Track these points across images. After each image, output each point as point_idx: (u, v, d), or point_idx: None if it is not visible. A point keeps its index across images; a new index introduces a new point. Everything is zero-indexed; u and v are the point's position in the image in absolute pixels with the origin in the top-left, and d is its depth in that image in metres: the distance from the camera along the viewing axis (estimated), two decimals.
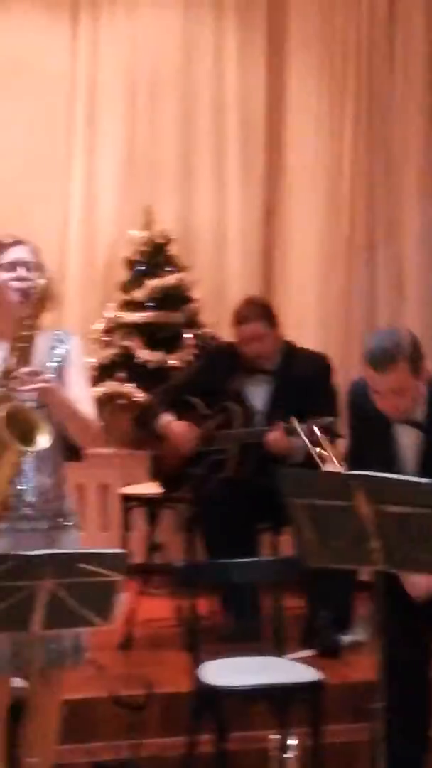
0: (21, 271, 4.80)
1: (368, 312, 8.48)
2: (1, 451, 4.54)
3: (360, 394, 5.14)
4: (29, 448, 4.56)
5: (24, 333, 4.64)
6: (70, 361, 4.98)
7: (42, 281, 4.71)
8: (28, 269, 4.83)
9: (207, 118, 9.03)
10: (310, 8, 8.72)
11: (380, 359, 4.96)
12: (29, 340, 4.65)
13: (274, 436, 6.43)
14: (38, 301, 4.67)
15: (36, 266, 4.88)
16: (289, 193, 8.97)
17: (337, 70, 8.55)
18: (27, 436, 4.53)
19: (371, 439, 5.18)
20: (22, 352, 4.63)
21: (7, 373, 4.60)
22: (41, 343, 4.82)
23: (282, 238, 9.01)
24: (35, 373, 4.58)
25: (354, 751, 5.62)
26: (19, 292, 4.76)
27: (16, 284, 4.77)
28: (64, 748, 5.18)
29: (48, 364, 4.87)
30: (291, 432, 6.34)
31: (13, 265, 4.83)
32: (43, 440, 4.54)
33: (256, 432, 6.53)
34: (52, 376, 4.77)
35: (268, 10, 8.96)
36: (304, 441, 6.30)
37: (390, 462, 5.07)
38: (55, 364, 4.90)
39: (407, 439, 5.07)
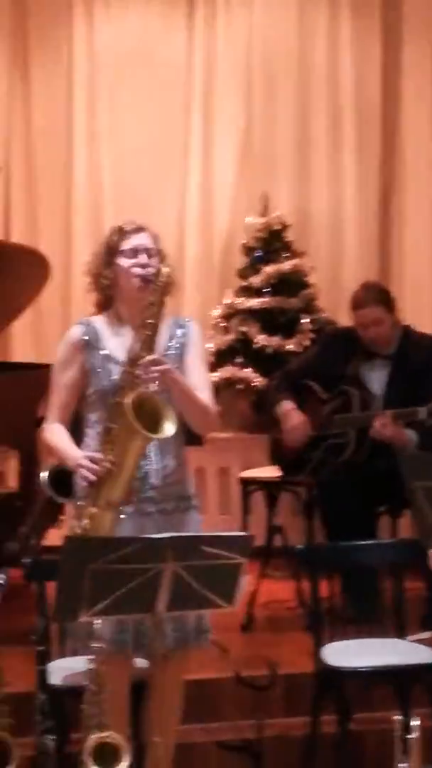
0: (142, 258, 4.82)
1: None
2: (129, 438, 4.61)
3: None
4: (156, 435, 4.61)
5: (148, 321, 4.69)
6: (190, 346, 5.01)
7: (166, 269, 4.76)
8: (149, 255, 4.86)
9: (322, 105, 9.02)
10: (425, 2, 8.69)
11: None
12: (153, 328, 4.69)
13: (381, 423, 6.42)
14: (162, 288, 4.71)
15: (156, 252, 4.92)
16: (405, 180, 8.94)
17: None
18: (153, 424, 4.59)
19: None
20: (147, 339, 4.67)
21: (133, 361, 4.65)
22: (162, 329, 4.88)
23: (398, 223, 8.99)
24: (158, 362, 4.63)
25: None
26: (139, 278, 4.79)
27: (137, 270, 4.79)
28: (187, 728, 5.23)
29: (169, 350, 4.93)
30: (402, 420, 6.42)
31: (134, 252, 4.85)
32: (169, 427, 4.59)
33: (373, 416, 6.50)
34: (174, 363, 4.83)
35: (382, 6, 8.96)
36: (413, 433, 6.39)
37: None
38: (176, 350, 4.95)
39: None
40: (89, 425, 4.94)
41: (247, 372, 8.39)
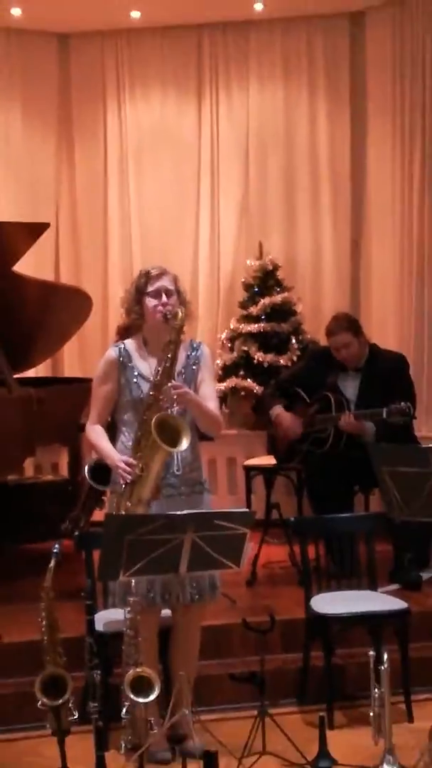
0: (164, 298, 4.88)
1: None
2: (154, 452, 4.68)
3: None
4: (174, 449, 4.68)
5: (168, 355, 4.75)
6: (202, 365, 5.06)
7: (181, 314, 4.81)
8: (169, 296, 4.91)
9: (304, 171, 8.98)
10: (385, 84, 8.62)
11: None
12: (172, 360, 4.76)
13: (345, 419, 6.44)
14: (178, 329, 4.77)
15: (175, 292, 4.96)
16: (370, 231, 8.88)
17: (406, 131, 8.43)
18: (173, 439, 4.64)
19: None
20: (166, 370, 4.74)
21: (156, 387, 4.73)
22: (181, 350, 4.94)
23: (365, 265, 8.94)
24: (177, 386, 4.71)
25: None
26: (161, 315, 4.85)
27: (159, 308, 4.85)
28: (205, 663, 5.26)
29: (187, 367, 4.98)
30: (363, 417, 6.43)
31: (158, 293, 4.90)
32: (185, 442, 4.67)
33: (340, 416, 6.51)
34: (190, 377, 4.91)
35: (350, 86, 8.91)
36: (371, 425, 6.40)
37: None
38: (193, 367, 5.00)
39: None
40: (124, 424, 4.98)
41: (248, 382, 8.39)
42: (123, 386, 4.96)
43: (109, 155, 9.21)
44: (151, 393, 4.79)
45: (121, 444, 4.95)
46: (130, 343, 5.02)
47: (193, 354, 5.07)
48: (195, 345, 5.14)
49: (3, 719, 5.27)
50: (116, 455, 4.85)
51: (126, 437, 4.94)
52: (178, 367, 4.93)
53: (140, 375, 4.92)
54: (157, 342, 4.94)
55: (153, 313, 4.89)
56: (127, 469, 4.74)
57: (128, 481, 4.76)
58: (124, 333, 6.92)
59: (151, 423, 4.65)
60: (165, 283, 4.96)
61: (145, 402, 4.81)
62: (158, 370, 4.80)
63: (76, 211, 9.29)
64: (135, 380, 4.92)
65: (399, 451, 5.10)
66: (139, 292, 4.95)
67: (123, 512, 4.76)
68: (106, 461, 4.97)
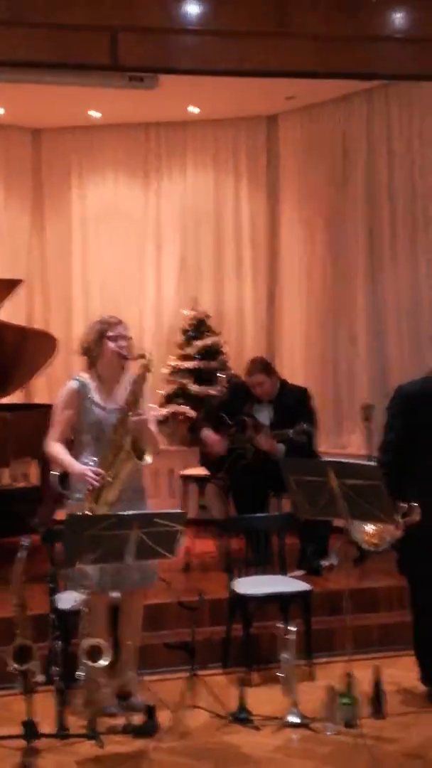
0: (121, 342, 4.93)
1: (334, 360, 8.44)
2: (125, 463, 4.76)
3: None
4: (142, 462, 4.76)
5: (133, 390, 4.85)
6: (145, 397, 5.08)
7: (149, 356, 4.95)
8: (125, 340, 4.97)
9: (230, 239, 9.00)
10: (293, 171, 8.70)
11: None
12: (136, 394, 4.85)
13: (260, 439, 6.47)
14: (143, 371, 4.89)
15: (129, 338, 5.02)
16: (282, 285, 8.90)
17: (310, 208, 8.54)
18: (140, 454, 4.73)
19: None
20: (132, 401, 4.84)
21: (123, 413, 4.82)
22: (127, 384, 4.96)
23: (278, 315, 8.95)
24: (138, 414, 4.78)
25: (331, 634, 5.59)
26: (120, 355, 4.91)
27: (118, 350, 4.91)
28: (147, 635, 5.20)
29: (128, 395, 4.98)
30: (277, 437, 6.45)
31: (116, 338, 4.94)
32: (149, 458, 4.75)
33: (258, 436, 6.54)
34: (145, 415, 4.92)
35: (267, 173, 8.95)
36: (282, 446, 6.42)
37: None
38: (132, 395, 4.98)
39: None
40: (83, 443, 4.95)
41: (185, 408, 8.37)
42: (81, 412, 4.94)
43: (73, 225, 9.19)
44: (120, 417, 4.82)
45: (83, 458, 4.90)
46: (86, 377, 5.01)
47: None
48: (132, 379, 5.12)
49: None
50: (79, 465, 4.83)
51: (85, 454, 4.90)
52: (115, 405, 4.96)
53: (95, 403, 4.92)
54: (111, 376, 4.97)
55: (113, 353, 4.92)
56: (95, 477, 4.73)
57: (95, 486, 4.74)
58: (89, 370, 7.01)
59: (122, 440, 4.75)
60: (121, 330, 4.99)
61: (111, 425, 4.83)
62: (127, 399, 4.86)
63: (46, 269, 9.25)
64: (91, 407, 4.91)
65: (303, 464, 5.13)
66: (99, 336, 4.95)
67: (88, 512, 4.72)
68: (69, 470, 4.94)
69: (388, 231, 7.99)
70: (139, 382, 4.88)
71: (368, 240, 8.11)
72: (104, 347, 4.95)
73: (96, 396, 4.95)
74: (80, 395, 4.94)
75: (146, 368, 4.89)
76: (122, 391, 4.97)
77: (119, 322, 5.04)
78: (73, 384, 4.99)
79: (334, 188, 8.38)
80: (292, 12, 5.95)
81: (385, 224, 8.00)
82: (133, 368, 4.99)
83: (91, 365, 5.03)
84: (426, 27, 6.14)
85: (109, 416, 4.92)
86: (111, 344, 4.95)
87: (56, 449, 4.95)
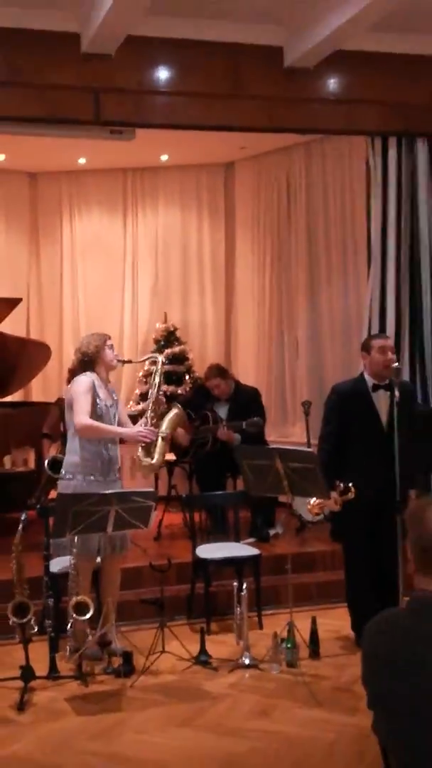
0: (115, 351, 5.14)
1: (279, 364, 8.45)
2: (173, 426, 5.30)
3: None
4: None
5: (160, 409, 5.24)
6: (120, 403, 5.17)
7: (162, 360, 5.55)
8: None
9: (194, 264, 8.98)
10: (247, 208, 8.69)
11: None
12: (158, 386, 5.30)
13: (220, 431, 6.47)
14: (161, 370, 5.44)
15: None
16: (238, 305, 8.89)
17: (261, 239, 8.54)
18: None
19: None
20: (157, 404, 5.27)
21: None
22: (109, 392, 5.05)
23: (234, 327, 8.95)
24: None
25: (276, 590, 5.57)
26: (118, 360, 5.19)
27: (115, 359, 5.09)
28: (124, 592, 5.21)
29: (114, 403, 5.06)
30: (233, 428, 6.46)
31: (112, 347, 5.07)
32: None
33: (219, 427, 6.54)
34: (114, 408, 5.04)
35: (225, 210, 8.95)
36: (238, 435, 6.42)
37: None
38: (115, 402, 5.06)
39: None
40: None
41: None
42: (93, 402, 4.92)
43: (64, 253, 9.12)
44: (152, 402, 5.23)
45: (85, 442, 4.86)
46: (94, 376, 4.97)
47: (114, 396, 5.10)
48: (112, 390, 5.20)
49: None
50: (133, 429, 5.06)
51: (88, 440, 4.87)
52: (111, 401, 5.00)
53: (99, 398, 4.89)
54: (105, 378, 5.05)
55: (112, 359, 5.03)
56: (148, 434, 4.99)
57: (148, 442, 5.03)
58: (73, 373, 6.93)
59: (173, 411, 5.35)
60: (112, 342, 5.11)
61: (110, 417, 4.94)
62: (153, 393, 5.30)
63: (40, 290, 9.17)
64: (97, 401, 4.88)
65: (254, 450, 5.18)
66: (98, 347, 4.98)
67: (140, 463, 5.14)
68: (122, 436, 5.03)
69: (324, 258, 8.02)
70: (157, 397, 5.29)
71: (308, 265, 8.15)
72: (103, 354, 4.98)
73: (101, 392, 4.94)
74: (94, 388, 4.91)
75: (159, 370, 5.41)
76: (109, 391, 5.02)
77: (110, 337, 5.12)
78: (90, 377, 4.94)
79: (279, 223, 8.41)
80: (244, 78, 5.97)
81: (322, 252, 8.03)
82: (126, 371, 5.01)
83: (87, 370, 5.00)
84: (353, 91, 6.18)
85: (109, 410, 4.93)
86: (109, 352, 5.01)
87: (97, 423, 4.84)
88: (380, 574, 4.95)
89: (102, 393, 4.93)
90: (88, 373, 4.97)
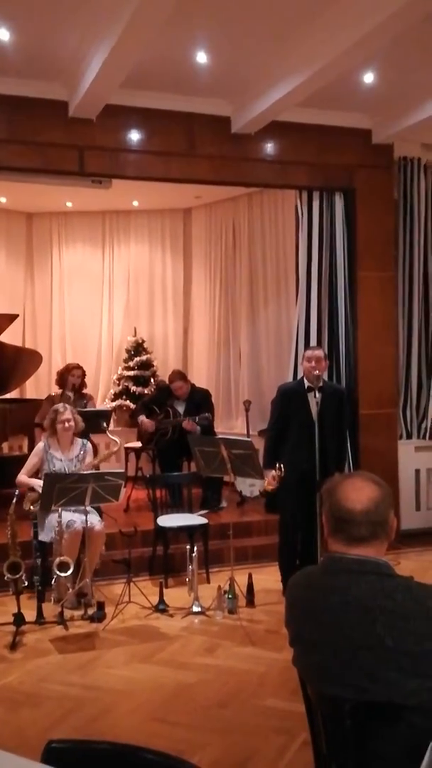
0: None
1: (226, 370, 8.46)
2: None
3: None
4: None
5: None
6: (88, 453, 5.17)
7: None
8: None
9: (159, 290, 8.92)
10: (201, 245, 8.70)
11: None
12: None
13: (185, 423, 6.43)
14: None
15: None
16: (194, 321, 8.91)
17: (213, 269, 8.53)
18: None
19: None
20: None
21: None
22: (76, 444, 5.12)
23: (191, 340, 8.94)
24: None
25: (221, 552, 5.56)
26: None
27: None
28: (102, 554, 5.15)
29: (78, 456, 5.09)
30: (195, 421, 6.44)
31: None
32: None
33: (179, 421, 6.53)
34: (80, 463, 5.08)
35: (184, 246, 8.91)
36: (199, 427, 6.40)
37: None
38: (81, 456, 5.12)
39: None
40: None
41: (127, 402, 8.30)
42: (43, 462, 5.03)
43: (54, 279, 8.99)
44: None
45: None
46: (48, 442, 5.09)
47: (82, 450, 5.12)
48: (84, 443, 5.19)
49: None
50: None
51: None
52: (74, 453, 5.06)
53: (54, 458, 5.02)
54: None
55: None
56: None
57: None
58: (61, 375, 6.90)
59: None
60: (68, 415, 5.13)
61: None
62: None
63: (34, 308, 9.03)
64: (51, 461, 5.00)
65: (204, 439, 5.18)
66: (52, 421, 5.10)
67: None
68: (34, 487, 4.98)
69: (261, 285, 8.05)
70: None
71: (249, 291, 8.18)
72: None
73: (55, 455, 5.04)
74: (44, 451, 5.05)
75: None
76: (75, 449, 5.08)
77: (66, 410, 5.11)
78: (42, 444, 5.12)
79: (227, 257, 8.42)
80: (198, 141, 5.96)
81: (260, 281, 8.05)
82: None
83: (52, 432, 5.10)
84: (286, 153, 6.20)
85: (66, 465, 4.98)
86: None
87: (27, 479, 5.09)
88: (301, 540, 4.99)
89: (57, 454, 5.03)
90: (44, 441, 5.11)
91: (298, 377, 5.22)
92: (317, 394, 4.77)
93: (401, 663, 1.71)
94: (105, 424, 5.97)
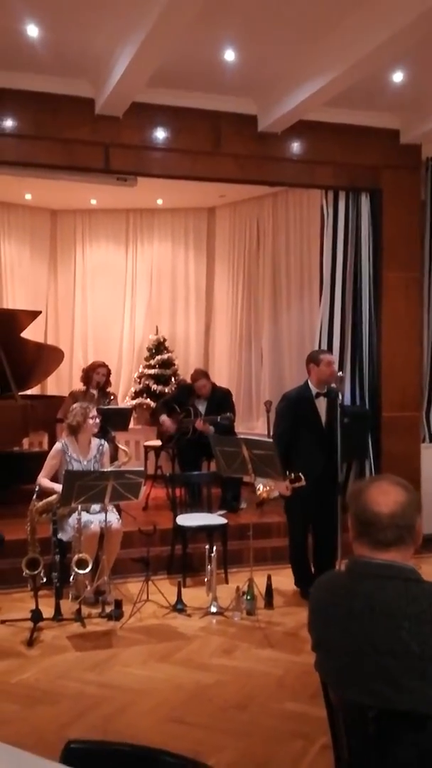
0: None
1: (247, 371, 8.45)
2: None
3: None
4: None
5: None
6: (105, 455, 5.15)
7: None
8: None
9: (181, 288, 8.93)
10: (225, 244, 8.69)
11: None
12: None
13: (198, 423, 6.42)
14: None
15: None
16: (215, 320, 8.90)
17: (235, 266, 8.52)
18: None
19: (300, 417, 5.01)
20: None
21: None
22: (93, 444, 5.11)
23: (212, 339, 8.94)
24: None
25: (240, 552, 5.56)
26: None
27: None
28: (120, 552, 5.11)
29: (97, 453, 5.09)
30: (208, 421, 6.42)
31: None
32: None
33: (194, 421, 6.49)
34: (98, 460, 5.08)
35: (207, 244, 8.89)
36: (212, 427, 6.37)
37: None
38: (99, 454, 5.11)
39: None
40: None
41: (148, 401, 8.31)
42: (63, 462, 5.02)
43: (77, 276, 9.02)
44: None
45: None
46: (68, 440, 5.09)
47: (100, 448, 5.13)
48: (102, 443, 5.19)
49: (5, 581, 5.11)
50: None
51: None
52: (92, 453, 5.05)
53: (73, 459, 5.02)
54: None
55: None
56: None
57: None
58: (86, 373, 6.92)
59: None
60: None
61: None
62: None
63: (57, 304, 9.07)
64: (70, 461, 4.99)
65: (225, 439, 5.14)
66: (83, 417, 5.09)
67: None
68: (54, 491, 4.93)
69: (285, 285, 8.01)
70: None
71: (272, 291, 8.15)
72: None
73: (74, 454, 5.02)
74: (63, 451, 5.04)
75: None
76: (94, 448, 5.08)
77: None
78: (59, 444, 5.10)
79: (250, 257, 8.39)
80: (224, 139, 5.95)
81: (283, 281, 8.02)
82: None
83: (73, 432, 5.09)
84: (312, 153, 6.17)
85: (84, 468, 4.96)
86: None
87: (46, 481, 5.04)
88: (317, 543, 4.96)
89: (75, 453, 5.02)
90: (63, 440, 5.10)
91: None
92: (324, 400, 4.80)
93: (426, 670, 1.67)
94: (113, 434, 5.99)
